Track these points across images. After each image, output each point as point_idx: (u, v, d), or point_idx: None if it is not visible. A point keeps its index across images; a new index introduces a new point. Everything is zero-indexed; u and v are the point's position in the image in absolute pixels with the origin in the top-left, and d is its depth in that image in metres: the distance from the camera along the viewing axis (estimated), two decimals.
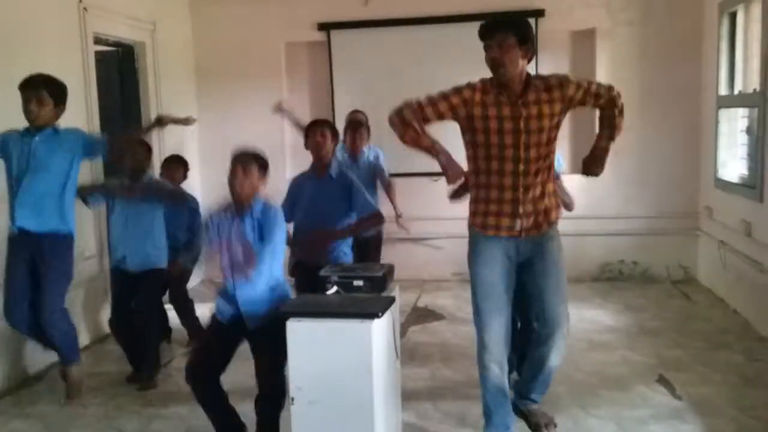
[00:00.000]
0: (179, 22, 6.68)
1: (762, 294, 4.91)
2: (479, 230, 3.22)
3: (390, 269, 3.49)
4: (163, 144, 5.92)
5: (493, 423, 3.32)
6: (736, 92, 5.57)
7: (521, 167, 3.08)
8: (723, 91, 5.72)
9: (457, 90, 3.11)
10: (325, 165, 4.03)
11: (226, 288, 3.39)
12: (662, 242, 6.43)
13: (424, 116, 3.10)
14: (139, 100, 6.01)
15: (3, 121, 4.26)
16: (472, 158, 3.23)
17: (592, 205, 6.00)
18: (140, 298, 4.37)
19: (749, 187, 5.17)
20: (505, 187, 3.12)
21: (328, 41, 6.71)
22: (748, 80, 5.39)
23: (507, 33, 3.02)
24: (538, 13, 6.35)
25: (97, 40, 5.37)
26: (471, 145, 3.19)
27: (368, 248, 4.83)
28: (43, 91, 3.57)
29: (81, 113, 5.06)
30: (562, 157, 5.46)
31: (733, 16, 5.59)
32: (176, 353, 4.89)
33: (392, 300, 3.21)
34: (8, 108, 4.33)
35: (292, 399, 2.98)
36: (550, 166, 3.20)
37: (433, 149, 3.12)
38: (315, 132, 4.04)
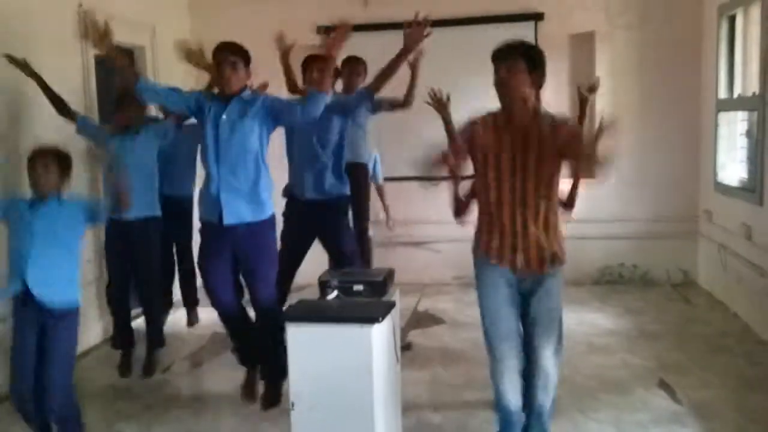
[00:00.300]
0: (178, 24, 6.68)
1: (762, 297, 4.91)
2: (482, 257, 3.17)
3: (390, 274, 3.49)
4: None
5: None
6: (735, 95, 5.58)
7: (518, 197, 3.01)
8: (722, 94, 5.72)
9: (463, 129, 3.12)
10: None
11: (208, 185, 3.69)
12: (662, 246, 6.43)
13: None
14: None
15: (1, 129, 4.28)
16: (477, 187, 3.22)
17: (591, 208, 5.95)
18: (142, 260, 4.53)
19: (749, 190, 5.17)
20: (505, 219, 3.06)
21: None
22: (747, 83, 5.40)
23: (517, 58, 2.98)
24: (538, 17, 6.36)
25: None
26: (475, 173, 3.16)
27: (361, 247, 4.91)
28: (50, 159, 3.43)
29: None
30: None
31: (732, 19, 5.60)
32: (176, 358, 4.88)
33: (392, 304, 3.21)
34: (7, 115, 4.36)
35: (292, 404, 2.98)
36: (553, 202, 3.09)
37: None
38: (312, 67, 4.14)
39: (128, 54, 5.92)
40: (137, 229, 4.44)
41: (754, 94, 5.12)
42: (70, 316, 3.41)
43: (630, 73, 6.37)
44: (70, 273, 3.44)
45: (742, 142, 5.53)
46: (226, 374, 4.52)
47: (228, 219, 3.67)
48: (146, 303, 4.71)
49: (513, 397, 3.13)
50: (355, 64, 5.21)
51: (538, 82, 3.02)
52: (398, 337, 3.40)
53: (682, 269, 6.46)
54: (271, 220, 3.82)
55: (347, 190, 4.47)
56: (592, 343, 4.90)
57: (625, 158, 5.90)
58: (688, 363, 4.48)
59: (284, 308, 3.46)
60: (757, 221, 5.03)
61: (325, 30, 6.66)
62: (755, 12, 5.15)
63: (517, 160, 3.00)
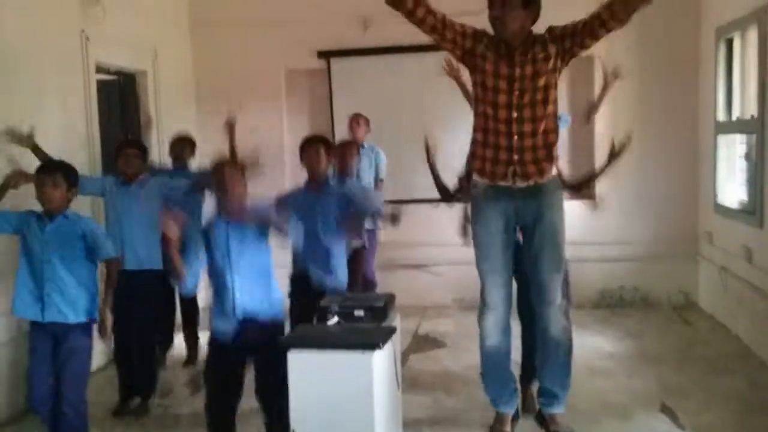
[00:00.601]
0: (180, 49, 6.73)
1: (763, 320, 4.90)
2: (477, 177, 3.35)
3: (390, 299, 3.49)
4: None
5: (489, 390, 3.61)
6: (734, 118, 5.60)
7: (515, 114, 3.17)
8: (721, 116, 5.75)
9: (476, 29, 3.27)
10: (321, 182, 4.06)
11: (222, 301, 3.34)
12: (662, 268, 6.42)
13: (447, 19, 3.24)
14: (140, 128, 6.04)
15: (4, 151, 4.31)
16: (474, 99, 3.38)
17: (590, 230, 6.00)
18: (140, 314, 4.30)
19: (749, 212, 5.18)
20: (501, 133, 3.22)
21: (328, 68, 6.76)
22: (745, 106, 5.43)
23: None
24: None
25: (99, 69, 5.41)
26: (473, 84, 3.33)
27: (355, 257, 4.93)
28: (58, 175, 3.51)
29: (82, 142, 5.10)
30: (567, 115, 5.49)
31: (729, 42, 5.64)
32: (175, 384, 4.85)
33: (393, 330, 3.21)
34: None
35: (293, 430, 2.97)
36: (549, 123, 3.24)
37: None
38: (310, 149, 4.05)
39: (131, 78, 5.98)
40: (137, 281, 4.27)
41: (752, 116, 5.14)
42: (80, 329, 3.51)
43: (629, 95, 6.40)
44: (80, 286, 3.53)
45: (741, 165, 5.55)
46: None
47: None
48: (140, 355, 4.42)
49: (497, 340, 3.42)
50: (348, 146, 5.26)
51: (532, 16, 3.16)
52: (399, 363, 3.40)
53: (682, 291, 6.45)
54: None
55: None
56: (593, 367, 4.87)
57: (624, 179, 5.91)
58: (689, 386, 4.46)
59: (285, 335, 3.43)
60: (757, 243, 5.03)
61: (326, 55, 6.72)
62: (753, 35, 5.18)
63: (513, 88, 3.16)
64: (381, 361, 2.96)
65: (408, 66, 6.57)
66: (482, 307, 3.49)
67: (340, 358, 2.92)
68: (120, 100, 5.99)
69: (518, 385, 3.79)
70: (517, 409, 3.71)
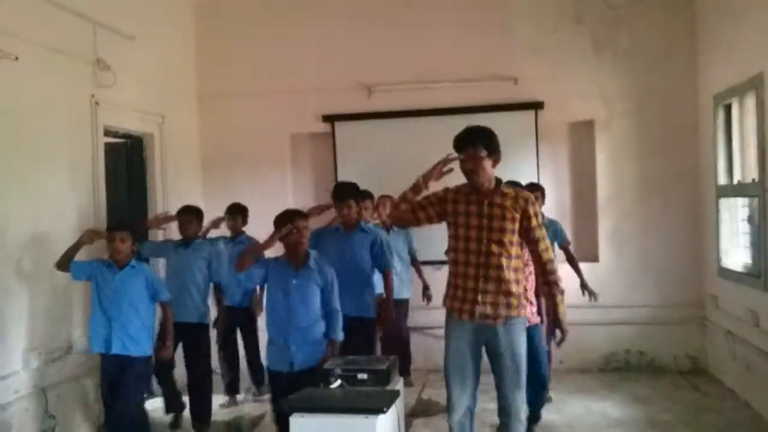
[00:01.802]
0: (187, 114, 6.85)
1: None
2: (449, 309, 3.69)
3: (394, 362, 3.46)
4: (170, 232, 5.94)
5: None
6: (735, 182, 5.63)
7: (482, 259, 3.54)
8: (722, 180, 5.78)
9: (438, 192, 3.73)
10: (353, 225, 4.84)
11: (276, 337, 3.92)
12: (668, 331, 6.36)
13: (417, 204, 3.71)
14: (146, 190, 6.10)
15: (12, 212, 4.35)
16: (449, 248, 3.75)
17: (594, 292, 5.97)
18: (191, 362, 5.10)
19: (754, 276, 5.15)
20: (469, 276, 3.58)
21: (333, 132, 6.85)
22: (746, 170, 5.47)
23: (477, 146, 3.55)
24: (538, 105, 6.51)
25: (107, 132, 5.50)
26: (449, 235, 3.72)
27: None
28: (125, 231, 4.27)
29: (89, 203, 5.15)
30: (560, 229, 5.57)
31: (728, 108, 5.72)
32: None
33: (397, 394, 3.17)
34: (18, 196, 4.43)
35: None
36: (516, 266, 3.60)
37: (416, 186, 3.69)
38: (341, 206, 4.86)
39: (138, 141, 6.07)
40: (188, 333, 5.00)
41: (753, 180, 5.18)
42: (138, 361, 4.25)
43: (630, 159, 6.47)
44: (142, 326, 4.26)
45: (744, 228, 5.55)
46: None
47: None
48: (196, 396, 5.11)
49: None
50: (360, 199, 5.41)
51: (496, 161, 3.61)
52: (402, 427, 3.34)
53: (690, 356, 6.37)
54: None
55: None
56: None
57: (626, 243, 5.93)
58: None
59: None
60: (763, 307, 4.99)
61: (330, 119, 6.83)
62: (750, 102, 5.26)
63: (482, 226, 3.55)
64: (385, 425, 2.92)
65: (411, 129, 6.65)
66: (448, 407, 3.77)
67: (345, 421, 2.88)
68: (127, 161, 6.07)
69: None
70: None
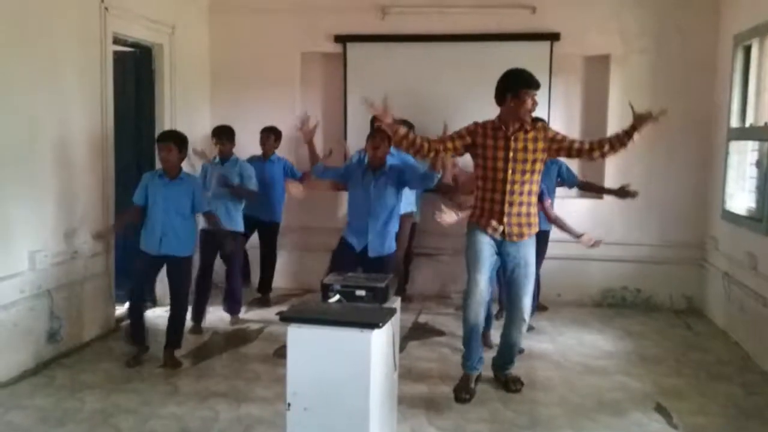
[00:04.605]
0: (198, 27, 6.74)
1: (764, 328, 4.90)
2: (475, 222, 4.26)
3: (392, 281, 3.51)
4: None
5: (464, 354, 4.38)
6: (747, 125, 5.58)
7: (507, 187, 4.10)
8: (734, 123, 5.73)
9: (469, 126, 4.22)
10: (380, 165, 4.82)
11: (356, 224, 4.76)
12: (666, 271, 6.42)
13: (444, 145, 4.18)
14: (153, 102, 6.06)
15: (23, 113, 4.36)
16: (476, 176, 4.27)
17: (596, 229, 5.99)
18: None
19: (756, 220, 5.17)
20: (496, 201, 4.15)
21: (344, 53, 6.75)
22: (759, 114, 5.41)
23: (539, 88, 4.12)
24: (554, 37, 6.38)
25: (116, 40, 5.43)
26: (475, 165, 4.25)
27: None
28: (170, 143, 4.63)
29: (96, 112, 5.14)
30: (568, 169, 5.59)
31: (747, 49, 5.61)
32: (184, 363, 4.88)
33: (393, 311, 3.23)
34: (27, 102, 4.42)
35: (288, 404, 3.00)
36: (535, 191, 4.24)
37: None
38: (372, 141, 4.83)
39: (147, 51, 6.00)
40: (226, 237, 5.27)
41: (765, 123, 5.13)
42: (184, 260, 4.80)
43: (643, 98, 6.31)
44: (188, 231, 4.78)
45: (751, 172, 5.53)
46: (224, 373, 4.61)
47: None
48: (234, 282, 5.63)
49: (478, 314, 4.27)
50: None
51: None
52: (397, 345, 3.42)
53: (685, 296, 6.45)
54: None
55: None
56: (590, 365, 4.89)
57: (633, 182, 5.89)
58: (685, 389, 4.47)
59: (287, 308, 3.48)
60: (763, 251, 5.02)
61: (342, 39, 6.73)
62: None
63: (508, 158, 4.07)
64: (380, 340, 2.99)
65: (424, 54, 6.55)
66: (471, 285, 4.25)
67: (340, 334, 2.95)
68: (135, 71, 6.01)
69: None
70: (480, 373, 4.44)
